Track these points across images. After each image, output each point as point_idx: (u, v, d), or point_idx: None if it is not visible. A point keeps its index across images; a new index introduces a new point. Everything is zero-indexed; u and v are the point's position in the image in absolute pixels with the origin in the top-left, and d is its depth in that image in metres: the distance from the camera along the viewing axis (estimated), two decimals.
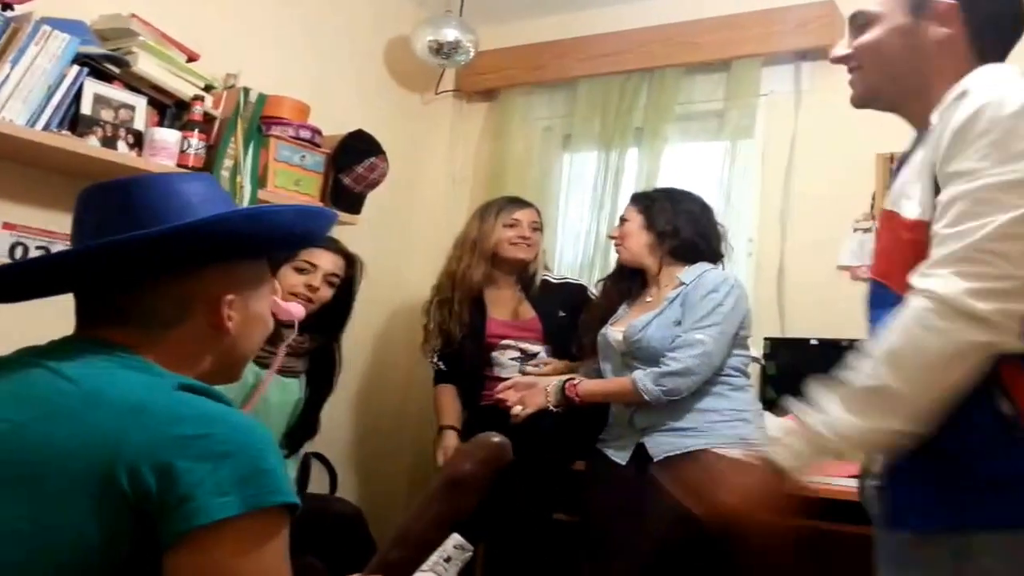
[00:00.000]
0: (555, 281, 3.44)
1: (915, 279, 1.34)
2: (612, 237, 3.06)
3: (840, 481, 2.63)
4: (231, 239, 1.26)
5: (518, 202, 3.40)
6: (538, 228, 3.36)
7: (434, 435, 3.32)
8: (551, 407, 2.88)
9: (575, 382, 2.89)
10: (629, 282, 3.03)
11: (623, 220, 3.01)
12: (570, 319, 3.26)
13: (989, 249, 1.28)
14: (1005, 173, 1.30)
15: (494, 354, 3.28)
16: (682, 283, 2.82)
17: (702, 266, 2.85)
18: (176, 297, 1.24)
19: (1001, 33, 1.54)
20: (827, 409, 1.38)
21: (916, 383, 1.32)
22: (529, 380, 2.99)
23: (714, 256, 2.93)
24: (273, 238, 1.34)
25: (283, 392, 2.82)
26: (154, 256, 1.21)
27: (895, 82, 1.56)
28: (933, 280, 1.31)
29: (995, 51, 1.52)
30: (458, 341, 3.28)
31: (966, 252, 1.29)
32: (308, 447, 3.14)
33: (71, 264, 1.24)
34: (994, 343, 1.28)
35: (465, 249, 3.32)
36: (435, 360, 3.36)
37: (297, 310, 2.75)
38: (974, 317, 1.26)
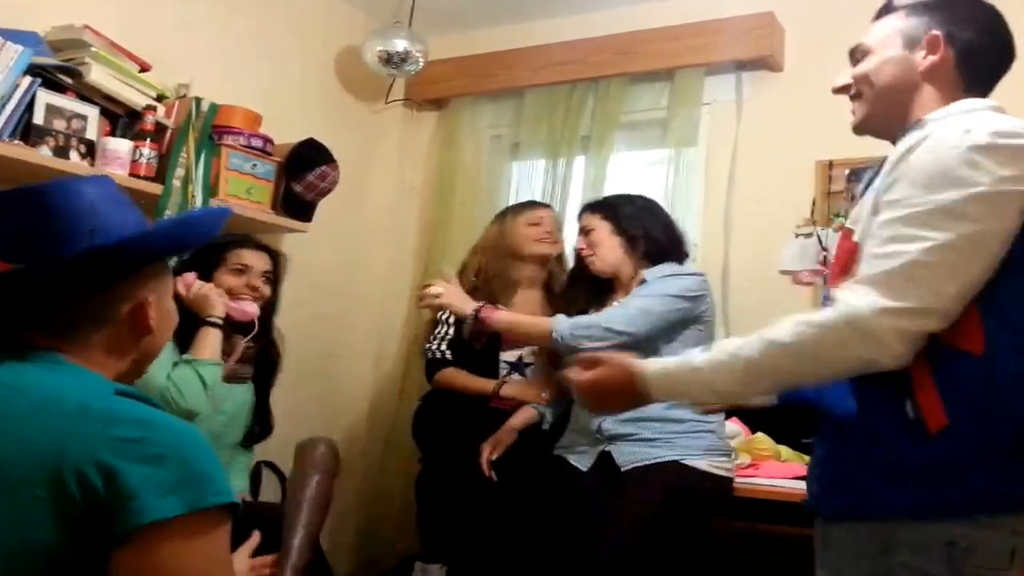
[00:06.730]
0: None
1: (840, 291, 1.47)
2: (580, 250, 2.97)
3: (786, 483, 2.71)
4: (165, 246, 1.35)
5: (536, 203, 3.42)
6: (559, 228, 3.34)
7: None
8: (465, 326, 2.95)
9: (493, 307, 2.89)
10: (594, 288, 2.98)
11: (587, 231, 2.94)
12: None
13: (904, 274, 1.39)
14: (926, 203, 1.40)
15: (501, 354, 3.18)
16: (644, 280, 2.80)
17: (670, 266, 2.84)
18: (102, 301, 1.28)
19: (984, 64, 1.61)
20: (718, 357, 1.54)
21: (799, 376, 1.51)
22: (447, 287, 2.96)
23: (680, 256, 2.92)
24: (196, 241, 1.52)
25: (236, 399, 2.85)
26: (106, 265, 1.26)
27: (887, 109, 1.64)
28: (853, 295, 1.43)
29: (979, 82, 1.60)
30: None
31: (885, 276, 1.41)
32: (261, 455, 3.16)
33: (26, 276, 1.23)
34: (880, 363, 1.41)
35: (491, 253, 3.25)
36: (441, 348, 3.19)
37: (251, 307, 2.77)
38: (873, 337, 1.39)
